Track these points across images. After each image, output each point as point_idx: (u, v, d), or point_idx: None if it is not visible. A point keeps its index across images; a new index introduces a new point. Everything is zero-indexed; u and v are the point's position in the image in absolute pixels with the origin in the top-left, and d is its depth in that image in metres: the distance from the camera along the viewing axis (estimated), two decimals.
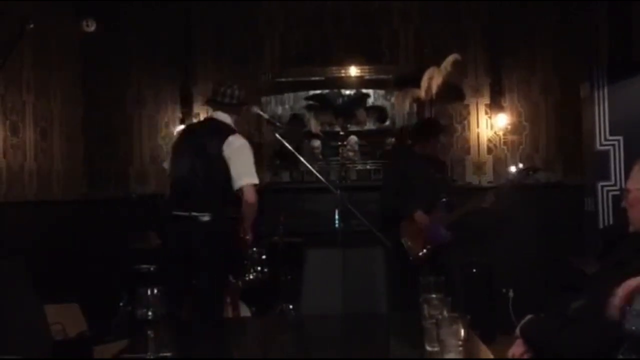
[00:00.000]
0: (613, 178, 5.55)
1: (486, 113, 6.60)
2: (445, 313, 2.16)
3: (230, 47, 6.70)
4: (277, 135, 4.46)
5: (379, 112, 6.70)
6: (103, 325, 5.35)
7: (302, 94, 6.70)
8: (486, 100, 6.59)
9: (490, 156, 6.60)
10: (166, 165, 4.55)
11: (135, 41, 6.73)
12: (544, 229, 6.32)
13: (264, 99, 6.57)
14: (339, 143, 6.59)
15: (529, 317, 2.53)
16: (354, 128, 6.64)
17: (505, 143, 6.58)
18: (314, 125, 6.57)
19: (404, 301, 3.37)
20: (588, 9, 6.42)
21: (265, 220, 5.97)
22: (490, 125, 6.58)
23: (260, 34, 6.73)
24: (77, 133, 6.62)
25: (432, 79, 6.15)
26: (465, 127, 6.61)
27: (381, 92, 6.70)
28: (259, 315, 5.30)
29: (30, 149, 5.73)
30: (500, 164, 6.56)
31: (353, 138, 6.59)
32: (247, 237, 4.32)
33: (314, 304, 3.50)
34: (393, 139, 6.61)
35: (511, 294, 6.10)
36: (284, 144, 4.38)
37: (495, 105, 6.54)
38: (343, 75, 6.58)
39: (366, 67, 6.57)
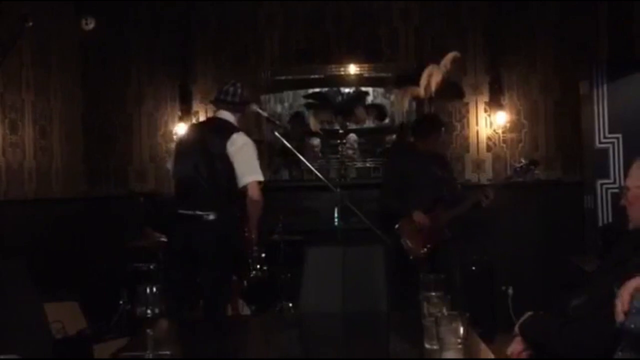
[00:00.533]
0: (612, 176, 5.56)
1: (485, 111, 6.60)
2: (444, 311, 2.16)
3: (229, 45, 6.70)
4: (277, 134, 4.47)
5: (379, 110, 6.69)
6: (103, 324, 5.35)
7: (302, 92, 6.69)
8: (485, 98, 6.59)
9: (490, 154, 6.60)
10: (169, 166, 4.55)
11: (135, 39, 6.72)
12: (544, 226, 6.33)
13: (263, 97, 6.55)
14: (339, 141, 6.59)
15: (528, 314, 2.54)
16: (353, 126, 6.64)
17: (504, 141, 6.58)
18: (313, 124, 6.56)
19: (404, 299, 3.38)
20: (588, 8, 6.42)
21: (265, 218, 6.00)
22: (489, 123, 6.58)
23: (259, 32, 6.72)
24: (77, 131, 6.62)
25: (432, 77, 6.14)
26: (465, 125, 6.61)
27: (380, 90, 6.70)
28: (258, 314, 5.30)
29: (29, 147, 5.73)
30: (499, 161, 6.57)
31: (352, 136, 6.59)
32: (253, 236, 4.33)
33: (314, 302, 3.50)
34: (393, 137, 6.62)
35: (510, 291, 6.10)
36: (283, 142, 4.38)
37: (495, 103, 6.53)
38: (342, 73, 6.57)
39: (365, 65, 6.57)
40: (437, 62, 6.14)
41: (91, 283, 5.99)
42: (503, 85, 6.55)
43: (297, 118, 6.63)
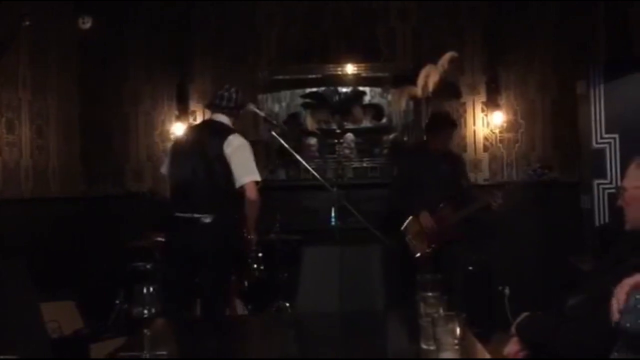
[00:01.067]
0: (609, 176, 5.56)
1: (482, 111, 6.61)
2: (441, 311, 2.16)
3: (227, 45, 6.69)
4: (274, 133, 4.47)
5: (376, 110, 6.69)
6: (99, 323, 5.35)
7: (299, 91, 6.69)
8: (482, 98, 6.60)
9: (487, 154, 6.61)
10: (163, 169, 4.56)
11: (133, 39, 6.71)
12: (541, 226, 6.33)
13: (260, 97, 6.55)
14: (336, 141, 6.59)
15: (524, 315, 2.54)
16: (350, 126, 6.64)
17: (501, 141, 6.59)
18: (310, 123, 6.56)
19: (407, 299, 3.38)
20: (585, 8, 6.42)
21: (262, 218, 6.00)
22: (486, 123, 6.59)
23: (257, 31, 6.72)
24: (74, 130, 6.60)
25: (429, 77, 6.14)
26: (462, 125, 6.60)
27: (378, 89, 6.70)
28: (255, 313, 5.30)
29: (26, 146, 5.72)
30: (496, 161, 6.57)
31: (349, 136, 6.59)
32: (251, 237, 4.34)
33: (311, 302, 3.50)
34: (390, 136, 6.62)
35: (507, 291, 6.10)
36: (280, 142, 4.39)
37: (492, 103, 6.54)
38: (340, 72, 6.57)
39: (363, 64, 6.57)
40: (434, 62, 6.14)
41: (88, 282, 5.98)
42: (500, 85, 6.55)
43: (293, 118, 6.63)
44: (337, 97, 6.65)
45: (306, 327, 3.24)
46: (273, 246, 5.65)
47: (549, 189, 6.29)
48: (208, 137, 4.28)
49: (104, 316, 5.58)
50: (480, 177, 6.56)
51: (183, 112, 6.60)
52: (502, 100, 6.56)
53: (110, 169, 6.73)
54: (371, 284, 3.51)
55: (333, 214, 5.55)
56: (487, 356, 2.26)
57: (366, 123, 6.68)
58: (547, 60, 6.54)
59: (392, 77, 6.54)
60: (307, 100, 6.65)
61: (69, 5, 6.33)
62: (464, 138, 6.61)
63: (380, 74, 6.59)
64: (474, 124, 6.62)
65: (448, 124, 5.46)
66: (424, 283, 2.38)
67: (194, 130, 4.73)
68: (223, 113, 4.37)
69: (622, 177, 2.55)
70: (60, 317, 4.64)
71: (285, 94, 6.73)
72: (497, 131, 6.57)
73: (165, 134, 6.63)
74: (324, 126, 6.62)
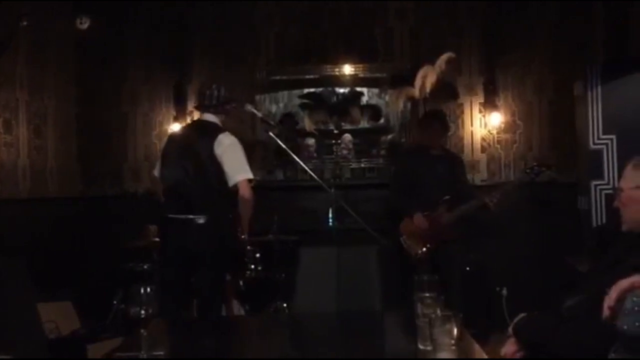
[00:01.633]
0: (606, 177, 5.56)
1: (480, 112, 6.61)
2: (438, 312, 2.16)
3: (225, 45, 6.69)
4: (271, 134, 4.47)
5: (373, 111, 6.70)
6: (97, 324, 5.34)
7: (297, 92, 6.70)
8: (480, 99, 6.60)
9: (484, 155, 6.61)
10: (156, 172, 4.56)
11: (131, 39, 6.71)
12: (538, 227, 6.33)
13: (258, 97, 6.55)
14: (333, 141, 6.60)
15: (521, 315, 2.54)
16: (348, 126, 6.65)
17: (499, 142, 6.59)
18: (308, 124, 6.56)
19: (404, 299, 3.38)
20: (583, 9, 6.43)
21: (259, 218, 6.00)
22: (484, 123, 6.59)
23: (255, 32, 6.72)
24: (71, 130, 6.60)
25: (426, 78, 6.14)
26: (459, 126, 6.62)
27: (375, 90, 6.71)
28: (253, 314, 5.30)
29: (23, 146, 5.71)
30: (493, 162, 6.58)
31: (347, 136, 6.60)
32: (244, 236, 4.34)
33: (308, 302, 3.50)
34: (388, 137, 6.62)
35: (504, 292, 6.11)
36: (277, 143, 4.39)
37: (489, 104, 6.54)
38: (337, 73, 6.58)
39: (361, 65, 6.57)
40: (432, 62, 6.15)
41: (86, 283, 5.97)
42: (498, 86, 6.56)
43: (288, 118, 6.63)
44: (334, 98, 6.66)
45: (304, 328, 3.24)
46: (271, 247, 5.65)
47: (547, 190, 6.30)
48: (198, 137, 4.28)
49: (102, 316, 5.58)
50: (478, 178, 6.57)
51: (181, 112, 6.60)
52: (500, 101, 6.57)
53: (108, 169, 6.72)
54: (369, 285, 3.52)
55: (331, 215, 5.56)
56: (485, 356, 2.27)
57: (364, 124, 6.69)
58: (545, 61, 6.55)
59: (389, 78, 6.55)
60: (305, 100, 6.66)
61: (68, 5, 6.32)
62: (461, 139, 6.62)
63: (378, 75, 6.60)
64: (472, 124, 6.62)
65: (437, 120, 5.46)
66: (421, 283, 2.38)
67: (183, 131, 4.72)
68: (210, 112, 4.38)
69: (619, 178, 2.55)
70: (58, 317, 4.64)
71: (283, 95, 6.73)
72: (494, 132, 6.58)
73: (163, 135, 6.61)
74: (321, 127, 6.63)
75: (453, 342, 2.01)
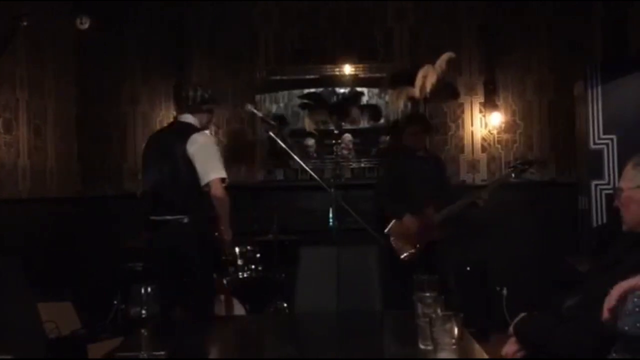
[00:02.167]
0: (606, 177, 5.57)
1: (480, 111, 6.61)
2: (438, 311, 2.16)
3: (224, 45, 6.69)
4: (271, 134, 4.47)
5: (373, 111, 6.70)
6: (97, 324, 5.35)
7: (297, 92, 6.70)
8: (480, 98, 6.60)
9: (484, 154, 6.61)
10: (140, 175, 4.57)
11: (130, 39, 6.71)
12: (538, 227, 6.33)
13: (258, 97, 6.56)
14: (333, 141, 6.60)
15: (522, 315, 2.54)
16: (348, 126, 6.64)
17: (499, 141, 6.59)
18: (308, 124, 6.56)
19: (396, 299, 3.38)
20: (582, 9, 6.43)
21: (259, 217, 6.00)
22: (484, 123, 6.59)
23: (254, 31, 6.72)
24: (71, 130, 6.60)
25: (427, 77, 6.15)
26: (460, 126, 6.62)
27: (375, 90, 6.70)
28: (253, 313, 5.30)
29: (23, 146, 5.71)
30: (494, 162, 6.58)
31: (347, 136, 6.60)
32: (225, 236, 4.32)
33: (308, 302, 3.50)
34: (387, 137, 6.62)
35: (505, 292, 6.11)
36: (278, 142, 4.38)
37: (490, 103, 6.55)
38: (337, 73, 6.58)
39: (360, 65, 6.58)
40: (432, 62, 6.15)
41: (86, 283, 5.97)
42: (498, 86, 6.56)
43: (280, 120, 6.62)
44: (334, 98, 6.66)
45: (304, 327, 3.24)
46: (271, 246, 5.65)
47: (547, 190, 6.30)
48: (172, 138, 4.27)
49: (102, 316, 5.58)
50: (478, 177, 6.57)
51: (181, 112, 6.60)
52: (500, 101, 6.57)
53: (108, 169, 6.72)
54: (369, 284, 3.52)
55: (331, 215, 5.56)
56: (485, 356, 2.27)
57: (364, 124, 6.69)
58: (545, 61, 6.55)
59: (389, 78, 6.54)
60: (305, 100, 6.66)
61: (67, 5, 6.33)
62: (461, 139, 6.62)
63: (377, 75, 6.59)
64: (472, 124, 6.62)
65: (420, 123, 5.46)
66: (420, 283, 2.38)
67: (160, 133, 4.72)
68: (189, 112, 4.37)
69: (620, 177, 2.55)
70: (58, 317, 4.64)
71: (283, 95, 6.73)
72: (494, 132, 6.58)
73: None
74: (321, 127, 6.63)
75: (454, 341, 2.01)
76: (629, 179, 2.44)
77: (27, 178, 5.74)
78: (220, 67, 6.67)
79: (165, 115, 6.70)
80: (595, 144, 5.61)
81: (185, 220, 4.15)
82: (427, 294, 2.32)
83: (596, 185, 5.59)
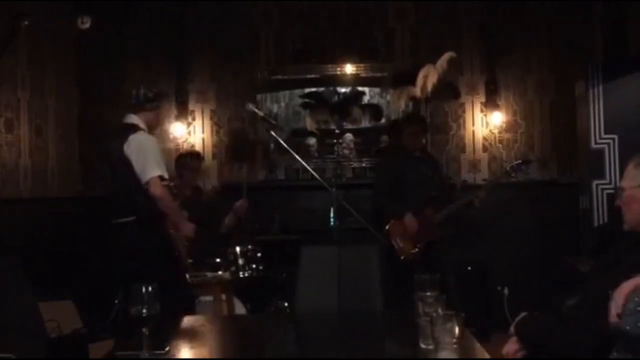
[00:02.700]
0: (608, 176, 5.57)
1: (481, 111, 6.61)
2: (439, 311, 2.16)
3: (225, 45, 6.69)
4: (273, 133, 4.47)
5: (375, 110, 6.69)
6: (98, 323, 5.34)
7: (298, 91, 6.70)
8: (481, 98, 6.60)
9: (486, 154, 6.61)
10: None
11: (131, 39, 6.71)
12: (539, 226, 6.33)
13: (259, 97, 6.56)
14: (335, 141, 6.60)
15: (523, 314, 2.54)
16: (349, 126, 6.64)
17: (500, 141, 6.59)
18: (309, 123, 6.56)
19: (396, 299, 3.38)
20: (583, 8, 6.43)
21: (260, 217, 6.00)
22: (485, 123, 6.59)
23: (255, 31, 6.72)
24: (72, 130, 6.60)
25: (428, 77, 6.13)
26: (461, 125, 6.62)
27: (377, 90, 6.70)
28: (254, 313, 5.30)
29: (25, 146, 5.71)
30: (495, 162, 6.58)
31: (348, 136, 6.60)
32: (184, 233, 4.32)
33: (309, 302, 3.49)
34: (387, 137, 6.62)
35: (506, 291, 6.11)
36: (279, 142, 4.38)
37: (491, 103, 6.55)
38: (339, 73, 6.58)
39: (362, 65, 6.58)
40: (433, 62, 6.14)
41: (87, 282, 5.97)
42: (499, 86, 6.56)
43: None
44: (336, 97, 6.65)
45: (305, 327, 3.24)
46: (272, 246, 5.66)
47: (548, 189, 6.30)
48: (113, 141, 4.29)
49: (103, 316, 5.58)
50: (479, 177, 6.57)
51: (182, 112, 6.61)
52: (501, 101, 6.57)
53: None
54: (370, 284, 3.51)
55: (332, 214, 5.55)
56: (486, 356, 2.26)
57: (365, 123, 6.69)
58: (546, 61, 6.55)
59: (390, 78, 6.53)
60: (306, 100, 6.66)
61: (68, 5, 6.33)
62: (463, 138, 6.62)
63: (379, 74, 6.59)
64: (473, 124, 6.62)
65: (416, 123, 5.47)
66: (421, 283, 2.38)
67: (108, 136, 4.71)
68: (132, 112, 4.35)
69: (621, 177, 2.55)
70: (59, 316, 4.63)
71: (284, 94, 6.73)
72: (496, 131, 6.58)
73: (164, 134, 6.62)
74: (322, 126, 6.62)
75: (454, 340, 2.00)
76: (631, 178, 2.44)
77: (28, 178, 5.74)
78: (221, 66, 6.67)
79: (166, 114, 6.68)
80: (596, 143, 5.61)
81: (130, 221, 4.18)
82: (428, 294, 2.32)
83: (597, 184, 5.59)
